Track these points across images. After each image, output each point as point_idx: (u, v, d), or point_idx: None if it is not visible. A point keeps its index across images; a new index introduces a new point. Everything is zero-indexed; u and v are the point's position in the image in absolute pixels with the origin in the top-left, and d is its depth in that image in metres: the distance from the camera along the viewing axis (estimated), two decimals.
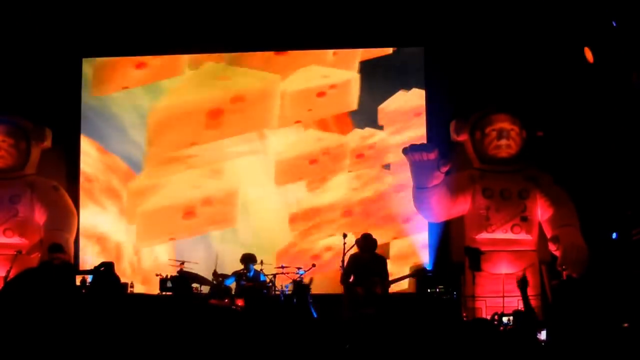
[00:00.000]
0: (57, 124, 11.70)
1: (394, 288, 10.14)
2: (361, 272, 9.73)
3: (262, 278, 10.55)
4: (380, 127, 11.95)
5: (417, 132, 11.83)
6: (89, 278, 9.53)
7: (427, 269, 10.96)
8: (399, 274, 10.50)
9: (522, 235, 10.33)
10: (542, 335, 7.30)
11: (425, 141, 11.35)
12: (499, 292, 9.83)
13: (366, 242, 9.90)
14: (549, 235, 10.18)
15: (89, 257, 11.75)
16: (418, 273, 10.19)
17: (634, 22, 9.95)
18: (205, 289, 10.54)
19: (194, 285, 10.50)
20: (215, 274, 10.51)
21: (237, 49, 12.35)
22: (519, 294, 10.05)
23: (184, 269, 10.63)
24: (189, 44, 12.17)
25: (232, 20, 12.00)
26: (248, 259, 10.61)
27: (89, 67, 12.44)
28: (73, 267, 9.75)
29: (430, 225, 11.51)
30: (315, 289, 10.46)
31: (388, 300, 9.52)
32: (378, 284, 9.62)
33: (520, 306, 9.84)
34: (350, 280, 9.82)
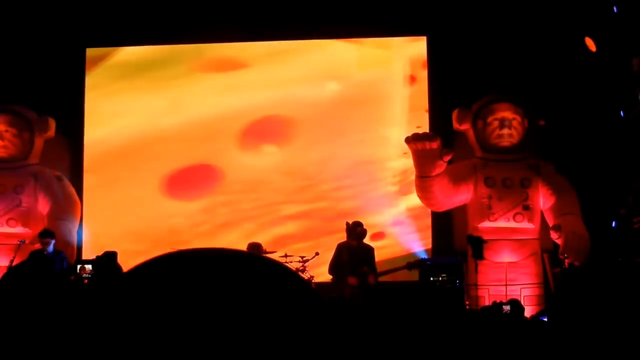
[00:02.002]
0: (60, 114, 11.72)
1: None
2: (350, 261, 9.73)
3: None
4: None
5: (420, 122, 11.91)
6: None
7: (425, 258, 10.96)
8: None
9: (525, 224, 10.36)
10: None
11: (427, 130, 11.38)
12: (502, 280, 9.89)
13: (358, 230, 9.92)
14: (550, 224, 10.21)
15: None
16: (415, 265, 10.12)
17: (634, 9, 9.95)
18: None
19: None
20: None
21: (242, 38, 12.35)
22: (521, 282, 10.15)
23: None
24: (192, 33, 12.17)
25: (235, 10, 12.00)
26: (254, 249, 10.65)
27: None
28: (64, 255, 9.76)
29: (433, 214, 11.55)
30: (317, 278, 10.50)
31: (381, 293, 9.49)
32: (369, 274, 9.60)
33: (524, 294, 9.92)
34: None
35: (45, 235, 9.47)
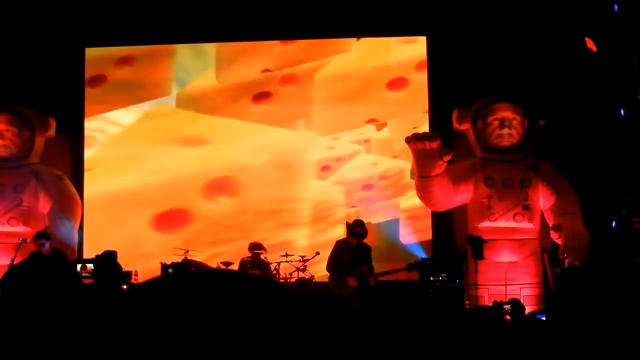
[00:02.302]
0: (61, 113, 11.72)
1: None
2: (350, 260, 9.71)
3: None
4: None
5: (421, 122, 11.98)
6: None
7: (425, 258, 10.98)
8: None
9: (524, 224, 10.37)
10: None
11: (428, 130, 11.42)
12: (501, 280, 9.89)
13: (357, 230, 9.90)
14: (550, 224, 10.22)
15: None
16: (415, 266, 10.09)
17: (634, 8, 9.97)
18: None
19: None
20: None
21: (239, 38, 12.38)
22: (520, 282, 10.16)
23: (189, 257, 10.71)
24: (193, 33, 12.21)
25: (236, 8, 12.02)
26: (255, 247, 10.68)
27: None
28: (64, 254, 9.76)
29: (433, 214, 11.57)
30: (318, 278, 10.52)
31: (380, 292, 9.44)
32: (368, 274, 9.58)
33: (523, 294, 9.93)
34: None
35: (39, 236, 9.46)
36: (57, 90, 12.02)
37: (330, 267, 9.79)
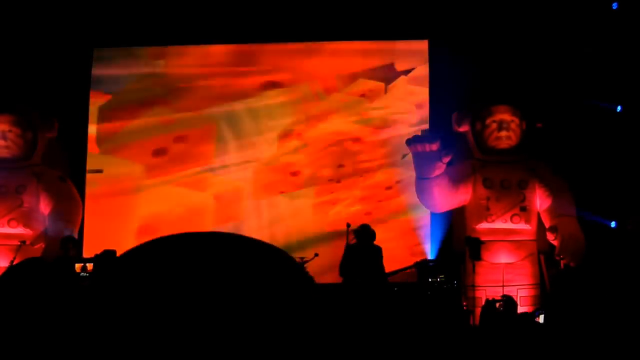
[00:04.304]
0: (64, 114, 11.75)
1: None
2: (359, 263, 9.73)
3: None
4: None
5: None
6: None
7: (428, 259, 11.04)
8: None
9: (522, 225, 10.42)
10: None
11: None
12: (499, 281, 9.94)
13: (365, 233, 9.94)
14: (547, 225, 10.28)
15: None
16: (419, 265, 10.13)
17: (634, 8, 10.04)
18: None
19: None
20: None
21: (246, 39, 12.43)
22: (518, 283, 10.21)
23: None
24: (198, 34, 12.26)
25: (240, 11, 12.08)
26: None
27: None
28: (70, 259, 9.84)
29: (433, 215, 11.62)
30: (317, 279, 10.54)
31: (378, 292, 9.46)
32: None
33: (520, 295, 9.98)
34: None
35: (67, 242, 9.57)
36: (61, 91, 12.03)
37: (342, 271, 9.76)
